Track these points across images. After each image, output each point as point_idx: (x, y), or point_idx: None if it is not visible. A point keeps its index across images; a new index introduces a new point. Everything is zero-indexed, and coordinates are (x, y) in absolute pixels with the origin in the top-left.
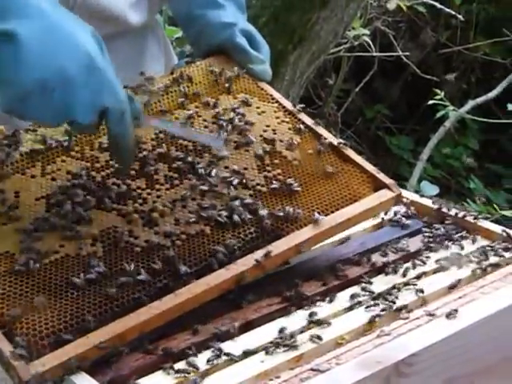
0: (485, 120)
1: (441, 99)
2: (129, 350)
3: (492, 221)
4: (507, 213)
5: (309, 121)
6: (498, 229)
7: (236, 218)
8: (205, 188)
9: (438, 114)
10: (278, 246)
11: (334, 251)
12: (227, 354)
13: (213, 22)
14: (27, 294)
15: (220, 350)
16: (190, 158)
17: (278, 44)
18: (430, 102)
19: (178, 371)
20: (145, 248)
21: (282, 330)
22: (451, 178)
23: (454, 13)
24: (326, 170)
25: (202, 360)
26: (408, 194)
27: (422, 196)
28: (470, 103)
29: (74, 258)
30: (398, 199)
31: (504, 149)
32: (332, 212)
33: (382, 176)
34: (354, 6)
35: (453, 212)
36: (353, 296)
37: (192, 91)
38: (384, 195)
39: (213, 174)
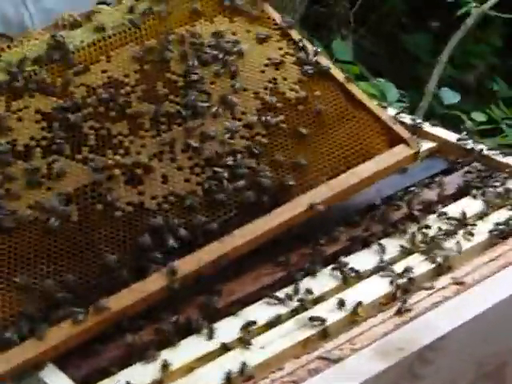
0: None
1: None
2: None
3: None
4: None
5: (312, 50)
6: None
7: (233, 178)
8: (195, 144)
9: (460, 11)
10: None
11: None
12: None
13: None
14: None
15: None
16: (181, 99)
17: None
18: None
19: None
20: (126, 213)
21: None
22: (473, 78)
23: None
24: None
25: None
26: (428, 129)
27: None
28: None
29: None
30: (416, 156)
31: None
32: (343, 171)
33: (398, 128)
34: None
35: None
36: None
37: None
38: (401, 152)
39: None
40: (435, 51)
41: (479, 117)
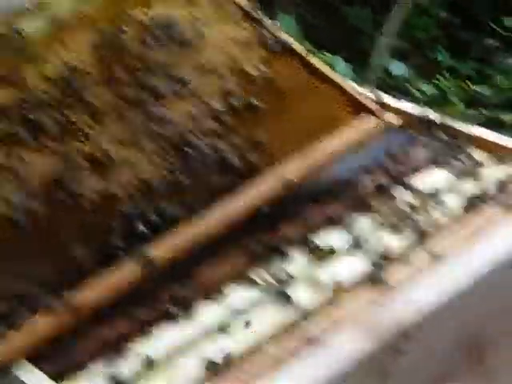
0: None
1: None
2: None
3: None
4: (479, 88)
5: (271, 26)
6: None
7: (199, 159)
8: (157, 128)
9: None
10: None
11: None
12: None
13: None
14: None
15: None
16: (140, 82)
17: None
18: None
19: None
20: (93, 201)
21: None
22: (417, 49)
23: None
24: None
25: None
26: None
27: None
28: None
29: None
30: (385, 127)
31: (473, 16)
32: (311, 146)
33: (365, 99)
34: None
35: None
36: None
37: None
38: (370, 124)
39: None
40: (378, 23)
41: (427, 88)
